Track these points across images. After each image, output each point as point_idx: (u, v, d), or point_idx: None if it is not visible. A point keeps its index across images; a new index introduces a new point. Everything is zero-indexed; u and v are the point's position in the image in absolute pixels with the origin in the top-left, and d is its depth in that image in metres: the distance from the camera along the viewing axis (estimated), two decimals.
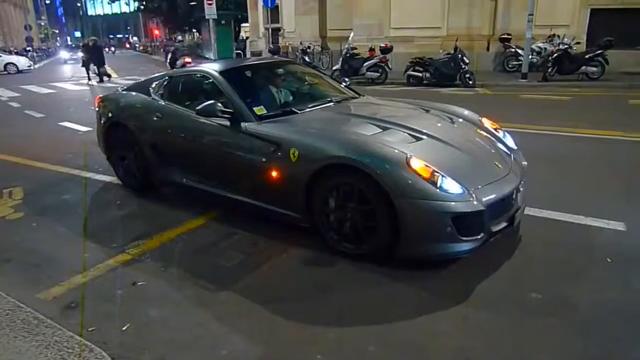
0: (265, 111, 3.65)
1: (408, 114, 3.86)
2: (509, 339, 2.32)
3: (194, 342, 2.37)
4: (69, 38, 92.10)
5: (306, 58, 14.44)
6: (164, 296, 2.81)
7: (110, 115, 4.63)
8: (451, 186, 2.73)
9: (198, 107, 3.59)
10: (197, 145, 3.85)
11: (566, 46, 12.88)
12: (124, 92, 4.84)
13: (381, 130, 3.26)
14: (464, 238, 2.72)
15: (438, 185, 2.70)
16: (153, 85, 4.48)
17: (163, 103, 4.22)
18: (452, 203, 2.68)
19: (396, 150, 2.87)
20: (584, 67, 12.84)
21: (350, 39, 14.56)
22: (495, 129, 3.74)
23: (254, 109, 3.61)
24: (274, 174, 3.25)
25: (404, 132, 3.25)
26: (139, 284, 2.94)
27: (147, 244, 3.50)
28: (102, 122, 4.78)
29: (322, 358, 2.22)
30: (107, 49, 51.65)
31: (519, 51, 14.93)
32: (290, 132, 3.31)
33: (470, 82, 12.74)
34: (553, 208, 3.75)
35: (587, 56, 12.88)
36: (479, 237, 2.76)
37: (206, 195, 3.96)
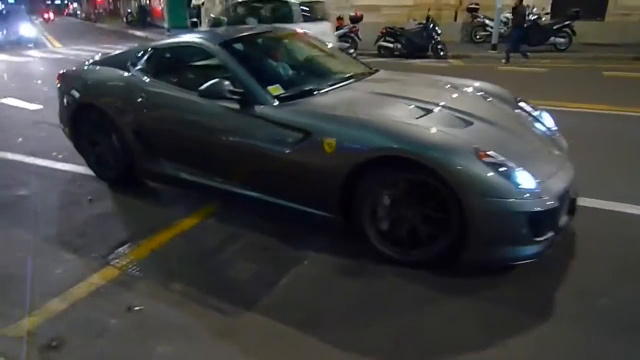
0: (282, 90, 3.05)
1: (441, 91, 3.36)
2: None
3: None
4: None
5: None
6: (170, 325, 2.26)
7: (78, 94, 3.88)
8: (525, 180, 2.32)
9: (201, 87, 2.94)
10: (194, 132, 3.22)
11: (536, 16, 12.78)
12: (94, 67, 4.06)
13: (425, 112, 2.77)
14: (537, 239, 2.34)
15: (512, 179, 2.29)
16: (133, 59, 3.75)
17: (148, 81, 3.52)
18: (528, 200, 2.28)
19: (461, 140, 2.44)
20: (552, 38, 12.81)
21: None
22: (533, 107, 3.35)
23: (268, 88, 3.01)
24: (300, 167, 2.72)
25: (451, 114, 2.80)
26: (136, 308, 2.38)
27: (134, 252, 2.92)
28: (66, 102, 4.01)
29: None
30: (44, 16, 47.61)
31: (487, 22, 14.76)
32: (320, 117, 2.75)
33: (442, 53, 12.44)
34: (596, 196, 3.38)
35: (554, 27, 12.85)
36: (549, 236, 2.39)
37: (203, 190, 3.39)
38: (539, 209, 2.29)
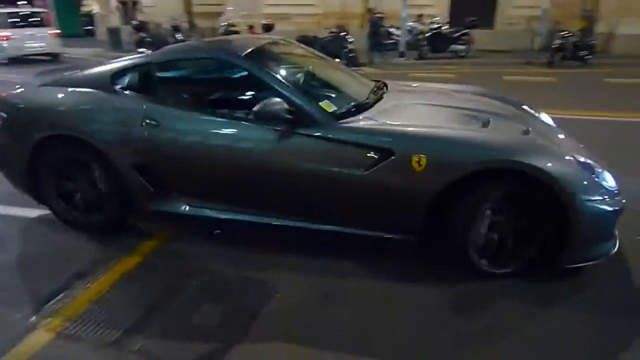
0: (334, 107, 2.76)
1: (470, 99, 3.44)
2: None
3: None
4: None
5: (179, 36, 12.93)
6: None
7: (39, 124, 3.06)
8: (610, 180, 2.52)
9: (256, 109, 2.56)
10: (225, 160, 2.76)
11: (439, 25, 13.58)
12: (53, 90, 3.20)
13: (485, 121, 2.79)
14: (614, 234, 2.56)
15: (602, 180, 2.48)
16: (116, 78, 3.07)
17: (152, 103, 2.92)
18: (617, 198, 2.45)
19: (556, 147, 2.67)
20: (453, 46, 13.71)
21: (225, 16, 13.43)
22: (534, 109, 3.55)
23: (320, 105, 2.72)
24: (379, 189, 2.49)
25: (510, 122, 2.92)
26: None
27: (69, 306, 2.43)
28: (19, 136, 3.11)
29: None
30: None
31: (392, 30, 15.39)
32: (403, 134, 2.55)
33: (354, 61, 12.67)
34: None
35: (455, 35, 13.76)
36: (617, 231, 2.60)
37: (232, 226, 2.96)
38: (622, 206, 2.46)
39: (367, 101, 3.00)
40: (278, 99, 2.57)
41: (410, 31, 15.10)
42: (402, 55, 13.68)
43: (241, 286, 2.59)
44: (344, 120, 2.67)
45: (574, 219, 2.32)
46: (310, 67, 3.48)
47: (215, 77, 3.34)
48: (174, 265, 2.80)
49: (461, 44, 13.62)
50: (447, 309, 2.38)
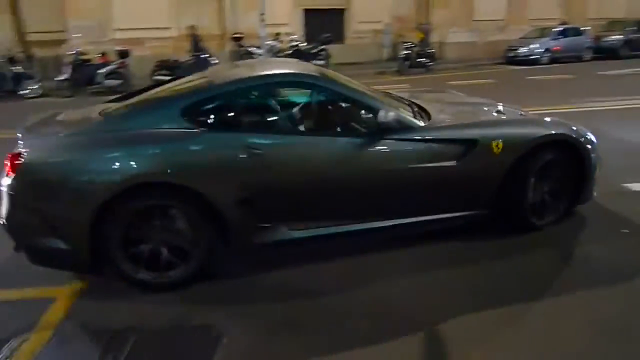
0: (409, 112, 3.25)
1: (451, 95, 4.72)
2: None
3: None
4: None
5: (16, 68, 11.39)
6: None
7: (112, 178, 2.57)
8: (592, 136, 3.46)
9: (383, 123, 2.84)
10: (330, 177, 2.86)
11: (297, 43, 14.16)
12: (104, 136, 2.73)
13: (497, 109, 3.56)
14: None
15: (590, 136, 3.43)
16: (192, 110, 2.83)
17: (246, 133, 2.90)
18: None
19: (550, 119, 3.51)
20: (313, 61, 14.38)
21: (71, 43, 12.28)
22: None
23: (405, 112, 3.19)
24: (468, 174, 3.01)
25: (515, 110, 3.76)
26: None
27: None
28: (75, 198, 2.56)
29: None
30: None
31: (252, 49, 15.62)
32: (483, 125, 3.28)
33: None
34: None
35: (313, 51, 14.48)
36: None
37: (330, 241, 3.02)
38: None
39: (423, 107, 3.44)
40: (391, 112, 2.89)
41: (270, 50, 15.52)
42: None
43: (180, 341, 2.42)
44: (428, 123, 3.12)
45: (588, 169, 3.23)
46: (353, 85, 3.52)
47: (300, 99, 3.57)
48: (95, 326, 2.50)
49: (320, 59, 14.36)
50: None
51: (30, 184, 2.57)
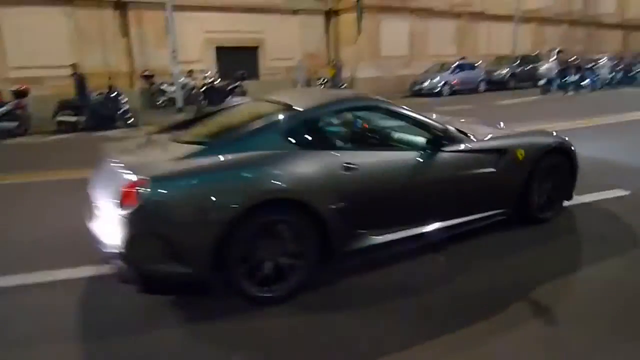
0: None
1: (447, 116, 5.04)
2: None
3: None
4: None
5: None
6: None
7: (245, 195, 2.69)
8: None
9: (450, 135, 3.48)
10: (407, 186, 3.29)
11: (212, 79, 14.06)
12: (227, 159, 2.82)
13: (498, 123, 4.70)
14: None
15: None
16: (293, 132, 3.07)
17: (343, 150, 3.38)
18: None
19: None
20: (229, 97, 14.35)
21: None
22: None
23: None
24: (502, 178, 3.62)
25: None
26: None
27: None
28: (204, 214, 2.63)
29: None
30: None
31: (164, 87, 15.25)
32: (508, 137, 3.91)
33: (131, 121, 12.00)
34: None
35: (229, 88, 14.46)
36: None
37: (397, 247, 3.28)
38: None
39: (454, 124, 3.87)
40: (451, 129, 3.51)
41: (183, 87, 15.24)
42: (180, 110, 13.63)
43: None
44: (476, 137, 3.64)
45: (575, 171, 4.01)
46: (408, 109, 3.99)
47: (369, 120, 4.08)
48: None
49: (237, 95, 14.35)
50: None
51: (154, 211, 2.53)
